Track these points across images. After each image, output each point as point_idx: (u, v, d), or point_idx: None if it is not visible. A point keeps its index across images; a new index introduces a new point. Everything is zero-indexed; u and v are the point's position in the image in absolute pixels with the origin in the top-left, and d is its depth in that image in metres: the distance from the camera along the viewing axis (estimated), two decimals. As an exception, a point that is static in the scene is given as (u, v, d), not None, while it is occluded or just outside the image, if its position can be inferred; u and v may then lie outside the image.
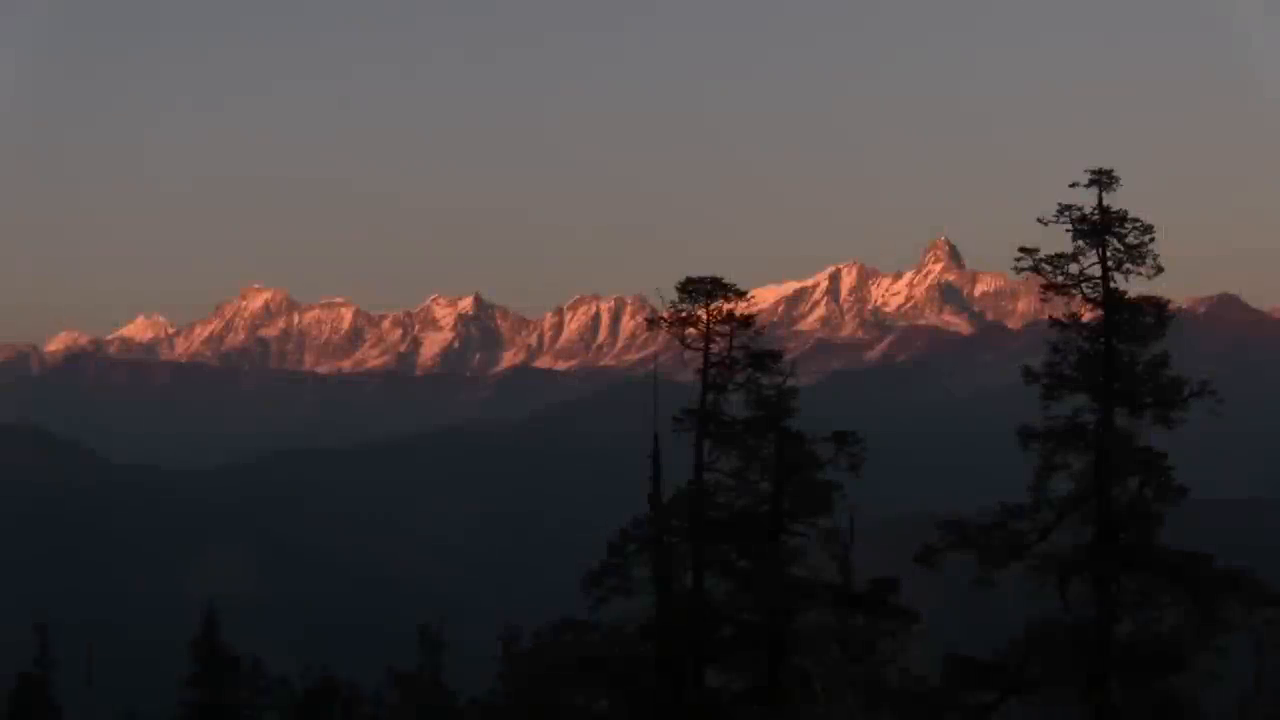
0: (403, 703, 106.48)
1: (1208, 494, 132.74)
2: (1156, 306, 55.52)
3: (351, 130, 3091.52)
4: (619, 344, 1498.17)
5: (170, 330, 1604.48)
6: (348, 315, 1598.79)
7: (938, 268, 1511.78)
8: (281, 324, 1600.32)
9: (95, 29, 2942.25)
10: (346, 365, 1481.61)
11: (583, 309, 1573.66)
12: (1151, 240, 55.62)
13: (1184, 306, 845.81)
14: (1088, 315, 55.86)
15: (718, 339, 61.01)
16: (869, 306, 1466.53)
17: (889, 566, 60.17)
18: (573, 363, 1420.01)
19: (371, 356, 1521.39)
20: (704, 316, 61.01)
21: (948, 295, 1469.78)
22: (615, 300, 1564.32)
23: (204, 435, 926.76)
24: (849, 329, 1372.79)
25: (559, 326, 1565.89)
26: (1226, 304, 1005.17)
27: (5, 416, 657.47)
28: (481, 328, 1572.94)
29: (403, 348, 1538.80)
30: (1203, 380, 55.59)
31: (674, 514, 60.88)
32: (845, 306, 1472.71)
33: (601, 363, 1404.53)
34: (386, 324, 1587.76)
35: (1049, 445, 55.19)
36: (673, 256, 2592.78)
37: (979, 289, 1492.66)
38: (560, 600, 79.66)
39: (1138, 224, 55.65)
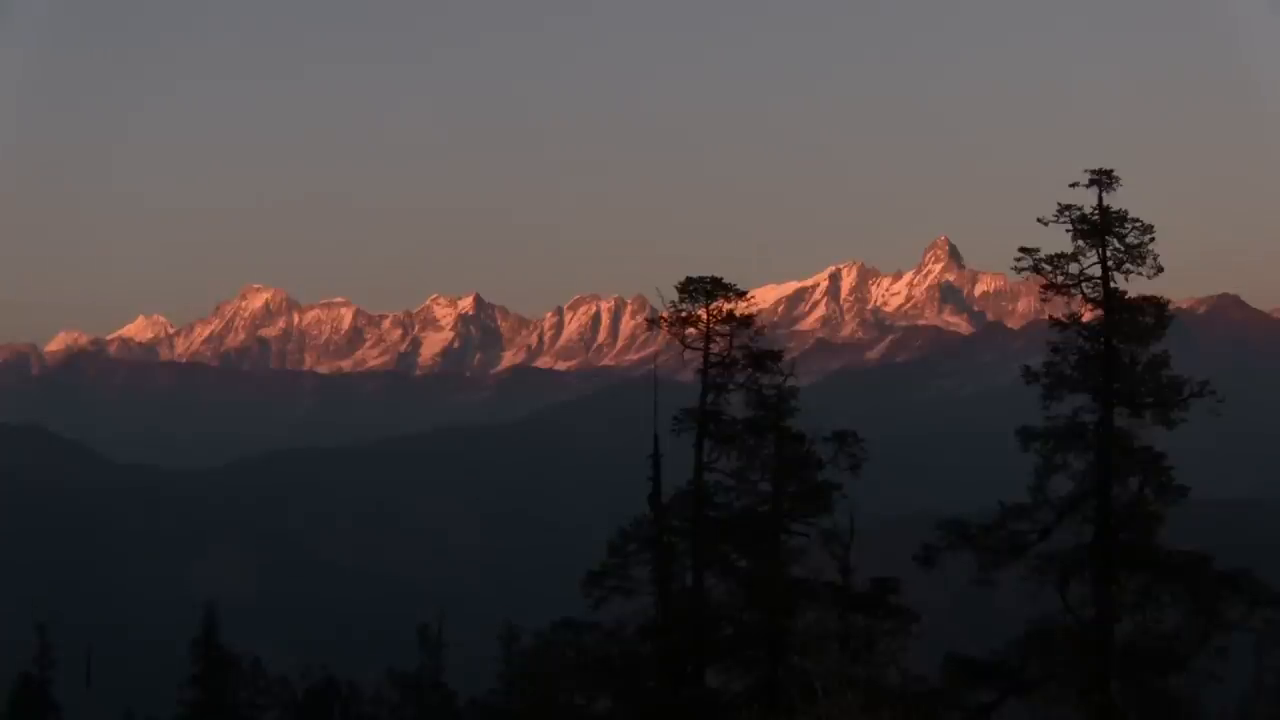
0: (403, 703, 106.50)
1: (1208, 494, 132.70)
2: (1156, 306, 55.47)
3: (352, 130, 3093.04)
4: (619, 344, 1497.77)
5: (170, 330, 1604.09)
6: (348, 315, 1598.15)
7: (938, 268, 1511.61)
8: (281, 324, 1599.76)
9: (96, 29, 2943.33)
10: (346, 365, 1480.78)
11: (583, 309, 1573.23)
12: (1151, 240, 55.62)
13: (1184, 306, 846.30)
14: (1088, 315, 55.80)
15: (718, 339, 60.98)
16: (869, 306, 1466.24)
17: (889, 566, 60.15)
18: (573, 363, 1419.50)
19: (371, 356, 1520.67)
20: (704, 316, 60.98)
21: (948, 295, 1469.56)
22: (615, 300, 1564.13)
23: (204, 435, 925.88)
24: (849, 329, 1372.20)
25: (559, 326, 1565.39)
26: (1226, 304, 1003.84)
27: (5, 416, 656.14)
28: (481, 328, 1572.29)
29: (403, 348, 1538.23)
30: (1203, 380, 55.55)
31: (674, 514, 60.87)
32: (845, 306, 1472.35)
33: (601, 363, 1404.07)
34: (386, 324, 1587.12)
35: (1049, 445, 55.15)
36: (673, 256, 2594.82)
37: (979, 289, 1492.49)
38: (560, 600, 79.67)
39: (1138, 224, 55.63)
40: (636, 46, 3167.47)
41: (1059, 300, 56.25)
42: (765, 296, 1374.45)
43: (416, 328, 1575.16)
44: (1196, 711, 55.21)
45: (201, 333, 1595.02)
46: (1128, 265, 55.59)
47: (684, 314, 61.13)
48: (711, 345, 60.94)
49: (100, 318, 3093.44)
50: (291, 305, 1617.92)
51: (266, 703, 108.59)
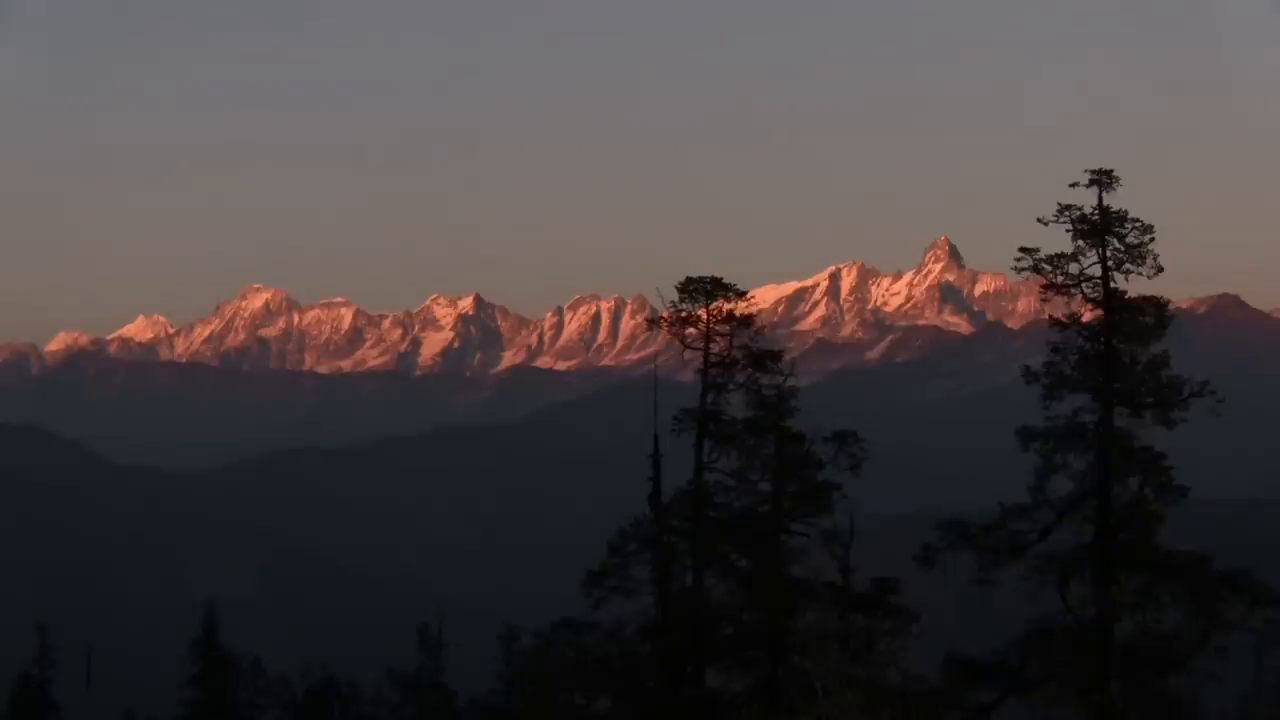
0: (403, 703, 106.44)
1: (1208, 494, 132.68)
2: (1156, 306, 55.40)
3: (352, 130, 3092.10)
4: (619, 344, 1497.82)
5: (170, 330, 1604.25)
6: (348, 315, 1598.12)
7: (938, 268, 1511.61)
8: (281, 324, 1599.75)
9: (96, 28, 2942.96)
10: (346, 365, 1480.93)
11: (583, 309, 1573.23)
12: (1151, 240, 55.53)
13: (1184, 306, 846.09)
14: (1088, 315, 55.75)
15: (718, 339, 60.93)
16: (869, 306, 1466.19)
17: (889, 566, 60.12)
18: (573, 363, 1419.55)
19: (371, 356, 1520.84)
20: (704, 316, 60.93)
21: (948, 295, 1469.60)
22: (615, 300, 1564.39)
23: (204, 435, 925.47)
24: (849, 329, 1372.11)
25: (559, 326, 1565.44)
26: (1226, 304, 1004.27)
27: (5, 416, 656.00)
28: (481, 328, 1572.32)
29: (403, 348, 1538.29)
30: (1203, 380, 55.50)
31: (674, 514, 60.83)
32: (845, 306, 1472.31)
33: (601, 363, 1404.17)
34: (386, 324, 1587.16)
35: (1049, 445, 55.07)
36: (673, 256, 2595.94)
37: (979, 289, 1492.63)
38: (560, 600, 79.61)
39: (1138, 224, 55.56)
40: (637, 46, 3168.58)
41: (1059, 300, 56.19)
42: (765, 296, 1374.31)
43: (416, 328, 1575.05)
44: (1196, 711, 55.17)
45: (201, 333, 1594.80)
46: (1128, 265, 55.52)
47: (684, 314, 61.06)
48: (711, 345, 60.89)
49: (100, 318, 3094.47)
50: (291, 305, 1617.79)
51: (266, 703, 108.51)
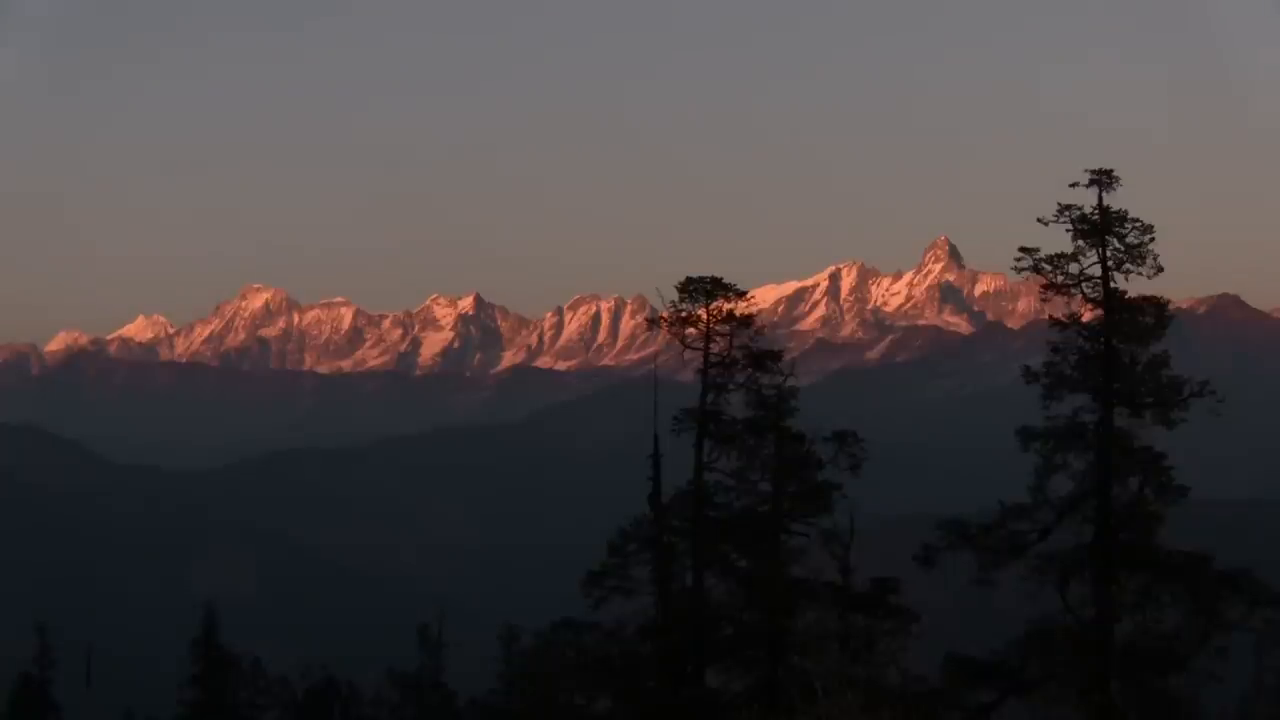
0: (403, 703, 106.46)
1: (1208, 494, 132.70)
2: (1156, 306, 55.41)
3: (352, 130, 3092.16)
4: (619, 344, 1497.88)
5: (170, 330, 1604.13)
6: (348, 315, 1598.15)
7: (938, 268, 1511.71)
8: (281, 324, 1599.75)
9: (95, 28, 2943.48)
10: (346, 365, 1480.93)
11: (583, 309, 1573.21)
12: (1151, 240, 55.54)
13: (1184, 306, 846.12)
14: (1088, 315, 55.77)
15: (718, 339, 60.94)
16: (869, 306, 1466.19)
17: (889, 566, 60.12)
18: (573, 363, 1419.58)
19: (371, 356, 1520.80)
20: (704, 316, 60.95)
21: (948, 295, 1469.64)
22: (615, 300, 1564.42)
23: (204, 435, 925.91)
24: (849, 329, 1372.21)
25: (559, 326, 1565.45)
26: (1226, 304, 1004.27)
27: (5, 416, 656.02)
28: (481, 328, 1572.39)
29: (403, 348, 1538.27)
30: (1203, 380, 55.51)
31: (674, 514, 60.84)
32: (845, 306, 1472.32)
33: (601, 363, 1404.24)
34: (386, 324, 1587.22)
35: (1049, 445, 55.08)
36: (673, 256, 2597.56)
37: (979, 289, 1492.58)
38: (560, 600, 79.64)
39: (1138, 224, 55.57)
40: (637, 45, 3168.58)
41: (1059, 300, 56.20)
42: (765, 296, 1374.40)
43: (416, 328, 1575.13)
44: (1196, 711, 55.17)
45: (201, 333, 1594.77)
46: (1128, 265, 55.53)
47: (684, 314, 61.07)
48: (711, 345, 60.89)
49: (100, 318, 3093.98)
50: (291, 305, 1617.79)
51: (266, 703, 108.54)
